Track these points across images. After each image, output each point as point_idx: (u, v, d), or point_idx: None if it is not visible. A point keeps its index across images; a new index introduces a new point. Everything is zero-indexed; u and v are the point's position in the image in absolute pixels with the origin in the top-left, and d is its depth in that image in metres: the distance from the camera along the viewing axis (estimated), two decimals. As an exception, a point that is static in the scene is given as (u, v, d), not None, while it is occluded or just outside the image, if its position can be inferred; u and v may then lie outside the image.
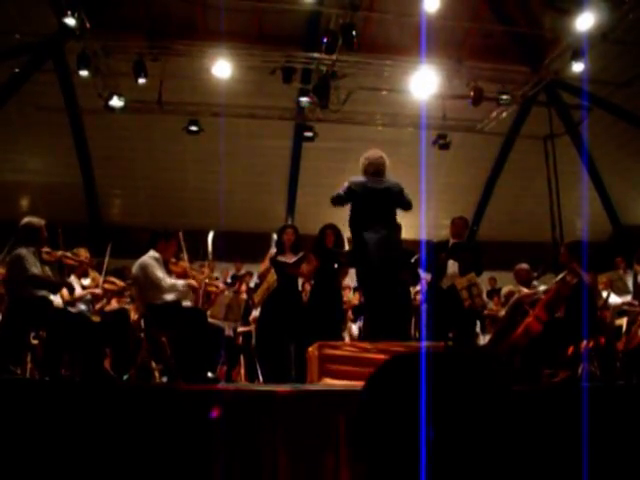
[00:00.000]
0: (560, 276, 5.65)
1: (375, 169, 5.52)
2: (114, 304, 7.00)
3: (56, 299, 5.54)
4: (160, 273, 5.20)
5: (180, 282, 5.35)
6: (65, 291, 5.88)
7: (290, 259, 6.21)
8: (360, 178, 5.50)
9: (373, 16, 10.43)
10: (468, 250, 6.82)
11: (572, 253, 5.72)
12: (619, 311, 7.16)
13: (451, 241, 6.93)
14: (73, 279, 6.14)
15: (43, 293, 4.95)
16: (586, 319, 4.96)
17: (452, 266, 6.69)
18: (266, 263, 6.33)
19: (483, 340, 8.07)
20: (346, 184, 5.49)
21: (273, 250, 6.34)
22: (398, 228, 5.53)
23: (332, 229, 6.37)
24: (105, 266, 6.65)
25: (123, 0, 10.22)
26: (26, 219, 5.15)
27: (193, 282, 5.50)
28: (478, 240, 13.24)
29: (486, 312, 7.88)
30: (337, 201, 5.54)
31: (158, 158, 12.81)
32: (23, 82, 11.17)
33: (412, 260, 6.40)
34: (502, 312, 7.28)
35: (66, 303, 5.99)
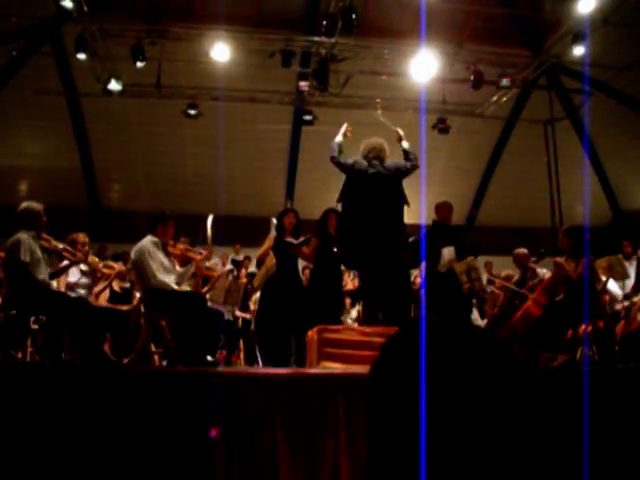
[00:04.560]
0: (558, 260, 5.66)
1: (376, 155, 5.50)
2: (115, 286, 7.02)
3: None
4: (154, 264, 5.15)
5: (173, 285, 5.27)
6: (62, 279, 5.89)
7: (294, 241, 6.21)
8: (364, 163, 5.48)
9: (373, -1, 10.36)
10: (461, 234, 6.81)
11: (570, 238, 5.71)
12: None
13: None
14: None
15: (42, 277, 4.95)
16: (587, 303, 4.97)
17: (449, 251, 6.67)
18: (265, 247, 6.32)
19: (481, 325, 8.08)
20: (352, 160, 5.49)
21: (273, 234, 6.32)
22: (399, 214, 5.49)
23: (335, 213, 6.36)
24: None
25: (121, -18, 10.16)
26: (25, 203, 5.15)
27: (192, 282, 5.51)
28: (477, 225, 13.30)
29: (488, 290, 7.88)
30: (337, 164, 5.55)
31: (157, 142, 12.76)
32: (21, 66, 11.09)
33: (410, 240, 6.35)
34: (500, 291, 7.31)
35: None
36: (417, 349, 0.81)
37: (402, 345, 0.85)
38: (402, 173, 5.52)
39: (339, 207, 5.81)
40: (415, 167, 5.58)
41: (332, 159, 5.58)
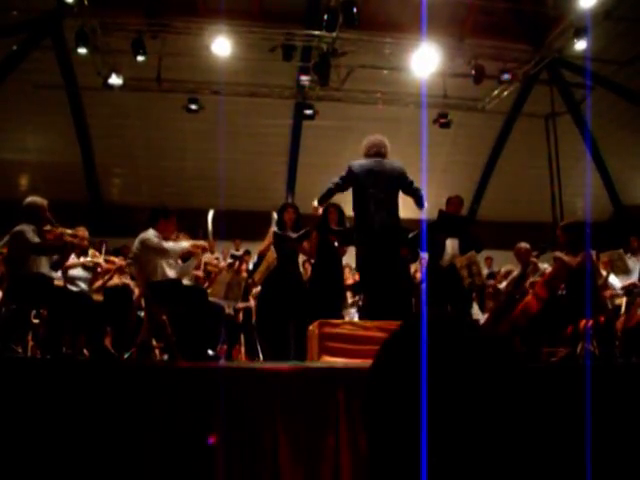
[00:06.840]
0: (559, 255, 5.65)
1: (377, 150, 5.50)
2: (116, 280, 7.01)
3: (57, 274, 5.56)
4: (156, 258, 5.16)
5: (182, 244, 5.33)
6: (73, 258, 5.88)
7: (293, 234, 6.24)
8: (361, 160, 5.49)
9: (374, -7, 10.33)
10: (467, 225, 6.79)
11: (566, 233, 5.67)
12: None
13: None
14: (72, 257, 6.13)
15: (44, 270, 4.95)
16: (589, 298, 4.96)
17: (452, 246, 6.66)
18: (267, 242, 6.34)
19: (482, 319, 8.08)
20: (346, 168, 5.48)
21: (273, 229, 6.34)
22: (397, 208, 5.51)
23: (335, 208, 6.39)
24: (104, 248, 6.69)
25: (121, -24, 10.13)
26: (30, 198, 5.16)
27: (196, 244, 5.49)
28: (478, 219, 13.28)
29: (489, 284, 7.86)
30: (327, 196, 5.55)
31: (158, 136, 12.75)
32: (21, 60, 11.09)
33: (410, 236, 6.35)
34: (503, 285, 7.28)
35: (65, 279, 6.00)
36: (417, 344, 0.81)
37: (403, 341, 0.85)
38: (403, 179, 5.49)
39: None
40: (418, 191, 5.57)
41: (320, 201, 5.60)
